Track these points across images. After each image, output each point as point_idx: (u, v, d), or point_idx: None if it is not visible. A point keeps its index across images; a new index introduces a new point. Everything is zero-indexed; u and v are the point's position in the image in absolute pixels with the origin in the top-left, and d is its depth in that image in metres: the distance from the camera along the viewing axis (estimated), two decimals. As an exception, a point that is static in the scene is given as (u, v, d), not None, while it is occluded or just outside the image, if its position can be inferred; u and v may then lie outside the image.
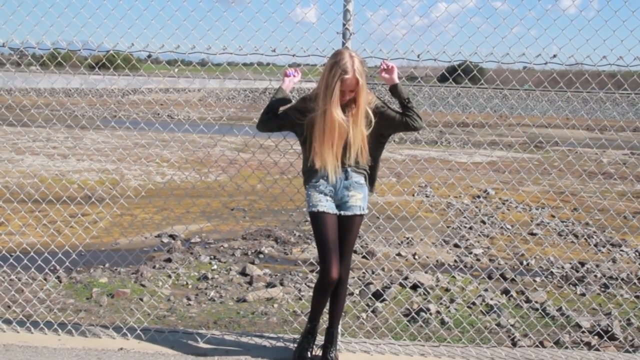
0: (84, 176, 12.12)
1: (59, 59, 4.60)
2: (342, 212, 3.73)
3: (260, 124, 3.84)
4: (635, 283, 6.91)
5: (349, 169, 3.70)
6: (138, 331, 4.37)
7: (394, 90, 3.72)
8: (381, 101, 3.76)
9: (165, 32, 4.26)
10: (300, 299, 6.26)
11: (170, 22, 4.42)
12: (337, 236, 3.72)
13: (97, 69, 4.92)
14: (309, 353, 3.92)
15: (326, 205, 3.71)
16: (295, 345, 4.06)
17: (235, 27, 4.37)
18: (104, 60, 4.55)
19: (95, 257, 6.96)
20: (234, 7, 4.50)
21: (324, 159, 3.61)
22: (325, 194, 3.71)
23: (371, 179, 3.84)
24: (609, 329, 5.39)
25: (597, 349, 4.66)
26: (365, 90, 3.59)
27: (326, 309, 3.94)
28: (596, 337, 5.29)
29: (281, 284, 6.72)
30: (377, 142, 3.77)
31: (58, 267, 6.66)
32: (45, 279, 6.46)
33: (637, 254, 8.49)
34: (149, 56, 4.70)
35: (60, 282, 6.50)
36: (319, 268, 3.71)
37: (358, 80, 3.51)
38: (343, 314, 4.12)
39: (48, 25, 4.19)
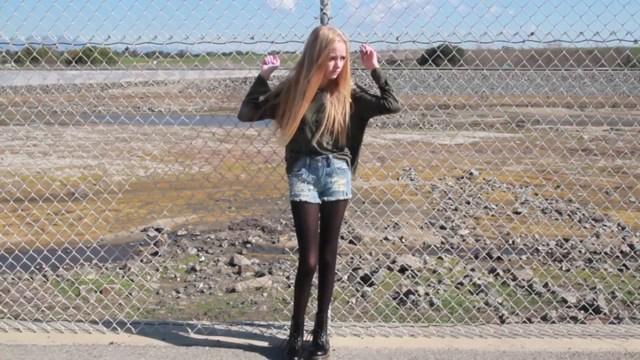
0: (66, 173, 12.01)
1: (34, 54, 4.53)
2: (326, 198, 3.74)
3: (241, 114, 3.81)
4: (618, 256, 7.03)
5: (330, 156, 3.70)
6: (128, 325, 4.36)
7: (373, 74, 3.73)
8: (358, 85, 3.77)
9: (141, 23, 4.22)
10: (289, 286, 6.28)
11: (147, 13, 4.37)
12: (317, 225, 3.76)
13: (74, 64, 4.86)
14: (297, 348, 3.89)
15: (308, 194, 3.72)
16: (286, 338, 4.06)
17: (212, 16, 4.34)
18: (80, 55, 4.49)
19: (82, 254, 6.89)
20: (210, -4, 4.46)
21: (293, 131, 3.62)
22: (308, 182, 3.72)
23: (353, 164, 3.85)
24: (594, 302, 5.48)
25: (583, 322, 4.73)
26: (349, 71, 3.62)
27: (316, 295, 3.97)
28: (582, 311, 5.37)
29: (270, 273, 6.74)
30: (357, 125, 3.78)
31: (44, 265, 6.62)
32: (31, 278, 6.41)
33: (619, 228, 8.61)
34: (127, 49, 4.64)
35: (47, 280, 6.45)
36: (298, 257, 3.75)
37: (346, 43, 3.55)
38: (332, 299, 4.14)
39: (21, 20, 4.12)
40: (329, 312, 4.12)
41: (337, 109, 3.61)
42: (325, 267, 3.84)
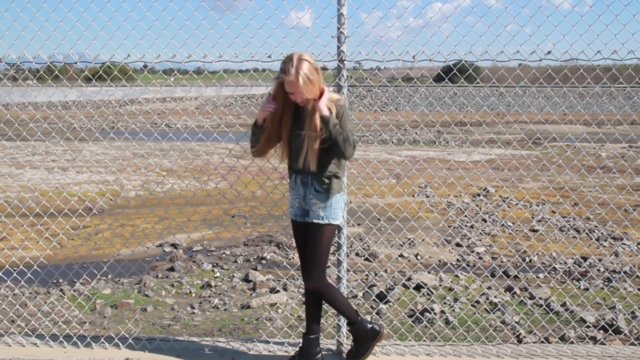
0: (84, 188, 12.13)
1: (56, 72, 4.61)
2: (307, 219, 3.78)
3: (254, 153, 3.87)
4: (638, 276, 6.92)
5: (310, 177, 3.70)
6: (144, 341, 4.37)
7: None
8: (337, 108, 3.61)
9: (160, 42, 4.27)
10: (304, 303, 6.26)
11: (166, 31, 4.43)
12: (304, 243, 3.84)
13: (94, 81, 4.94)
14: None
15: (297, 212, 3.84)
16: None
17: (230, 35, 4.39)
18: (100, 72, 4.57)
19: (98, 269, 6.96)
20: (228, 15, 4.52)
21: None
22: (295, 198, 3.82)
23: (331, 188, 3.70)
24: (614, 322, 5.39)
25: (602, 343, 4.66)
26: (311, 92, 3.51)
27: (332, 312, 3.97)
28: (601, 331, 5.29)
29: (284, 289, 6.73)
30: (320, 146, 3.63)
31: (61, 280, 6.68)
32: (48, 292, 6.46)
33: (639, 247, 8.49)
34: (145, 66, 4.71)
35: (64, 294, 6.50)
36: None
37: (298, 81, 3.46)
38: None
39: (44, 39, 4.22)
40: (344, 330, 4.12)
41: (311, 130, 3.57)
42: (313, 292, 3.83)
